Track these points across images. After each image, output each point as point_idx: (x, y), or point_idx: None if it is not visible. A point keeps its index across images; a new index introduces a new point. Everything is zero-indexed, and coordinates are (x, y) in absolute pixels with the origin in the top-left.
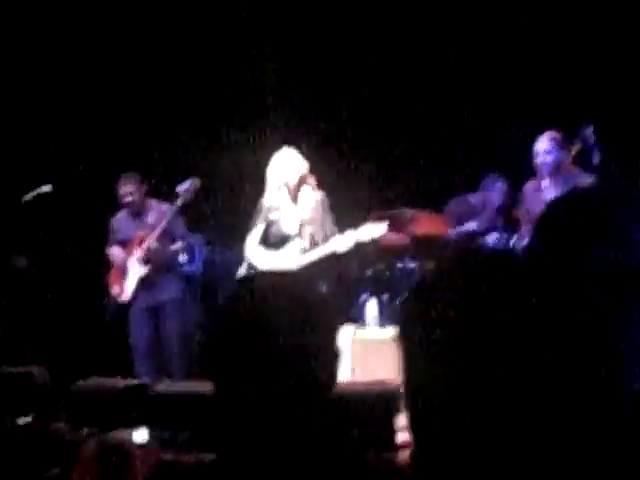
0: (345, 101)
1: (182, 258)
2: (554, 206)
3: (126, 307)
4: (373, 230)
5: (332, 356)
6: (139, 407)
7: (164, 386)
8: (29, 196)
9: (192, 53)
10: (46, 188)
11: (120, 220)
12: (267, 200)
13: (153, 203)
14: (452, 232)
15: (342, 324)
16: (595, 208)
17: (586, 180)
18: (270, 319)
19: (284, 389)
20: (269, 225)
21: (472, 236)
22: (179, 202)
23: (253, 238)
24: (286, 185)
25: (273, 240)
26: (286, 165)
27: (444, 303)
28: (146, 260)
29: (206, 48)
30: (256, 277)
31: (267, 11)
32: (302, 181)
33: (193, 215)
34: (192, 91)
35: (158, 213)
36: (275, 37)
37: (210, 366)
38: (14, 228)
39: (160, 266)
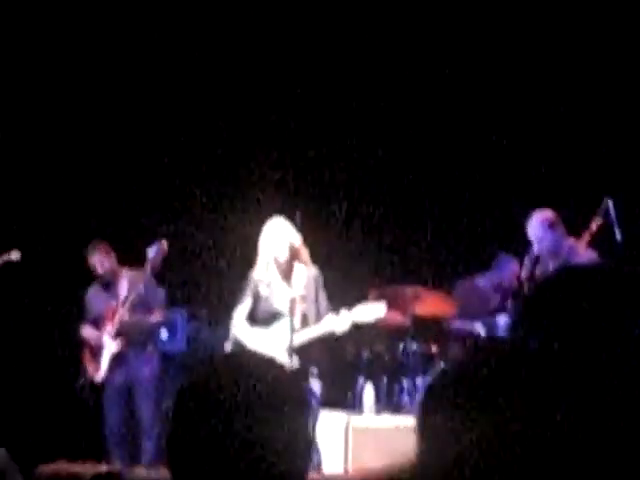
0: (345, 167)
1: (163, 334)
2: (538, 287)
3: (101, 388)
4: (371, 311)
5: (302, 446)
6: None
7: (139, 474)
8: None
9: (182, 104)
10: (15, 255)
11: (91, 296)
12: (257, 273)
13: (124, 271)
14: (456, 324)
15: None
16: (583, 289)
17: (587, 257)
18: (234, 403)
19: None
20: (258, 300)
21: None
22: (148, 269)
23: (240, 313)
24: (276, 259)
25: (262, 316)
26: (277, 238)
27: (468, 403)
28: (118, 334)
29: (195, 100)
30: (218, 358)
31: (258, 62)
32: (294, 255)
33: (175, 288)
34: (181, 159)
35: (130, 281)
36: (270, 90)
37: (169, 452)
38: None
39: (133, 340)
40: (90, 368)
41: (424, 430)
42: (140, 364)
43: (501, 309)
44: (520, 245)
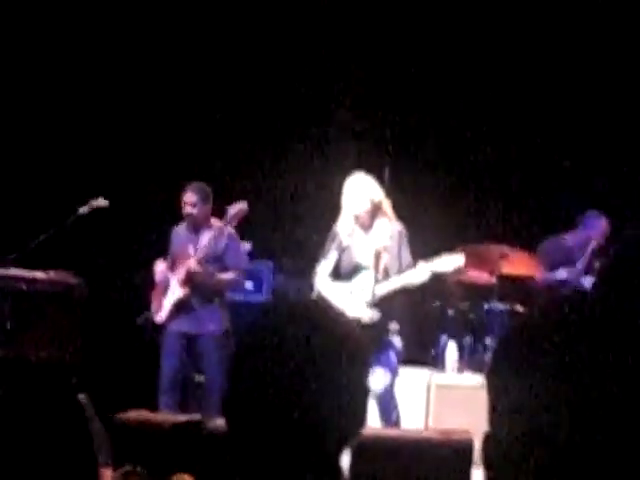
0: (435, 128)
1: (248, 285)
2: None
3: (161, 329)
4: (449, 262)
5: (360, 395)
6: (190, 446)
7: (219, 424)
8: (84, 209)
9: (265, 64)
10: (102, 202)
11: (178, 233)
12: (340, 227)
13: (215, 223)
14: (543, 278)
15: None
16: None
17: None
18: (292, 350)
19: (303, 433)
20: (341, 254)
21: (562, 285)
22: (228, 225)
23: (324, 267)
24: (358, 214)
25: (344, 270)
26: (358, 193)
27: (538, 354)
28: (185, 282)
29: (279, 58)
30: (280, 305)
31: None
32: (376, 210)
33: (261, 240)
34: (264, 110)
35: (215, 235)
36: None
37: (225, 401)
38: (67, 242)
39: (201, 293)
40: (154, 306)
41: (494, 385)
42: (205, 317)
43: (588, 269)
44: (606, 207)
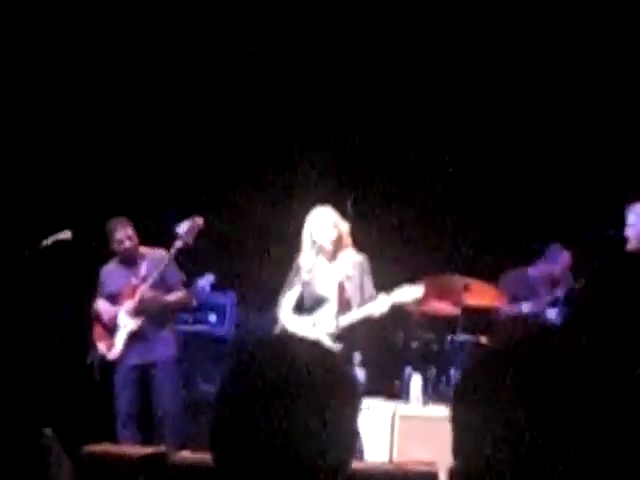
0: (397, 158)
1: (212, 318)
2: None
3: (113, 366)
4: (408, 293)
5: (348, 435)
6: (155, 478)
7: (184, 457)
8: (48, 241)
9: (228, 86)
10: (66, 235)
11: (110, 272)
12: (302, 261)
13: (146, 250)
14: (505, 309)
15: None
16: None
17: None
18: (279, 388)
19: (292, 468)
20: (303, 287)
21: (526, 318)
22: (178, 244)
23: (288, 300)
24: (322, 246)
25: (307, 303)
26: (322, 225)
27: (501, 386)
28: (138, 312)
29: (242, 83)
30: (265, 341)
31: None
32: (339, 242)
33: (224, 272)
34: (226, 143)
35: (152, 261)
36: (318, 74)
37: (213, 435)
38: (28, 275)
39: (154, 320)
40: (102, 345)
41: (457, 419)
42: (158, 344)
43: (550, 301)
44: (570, 238)
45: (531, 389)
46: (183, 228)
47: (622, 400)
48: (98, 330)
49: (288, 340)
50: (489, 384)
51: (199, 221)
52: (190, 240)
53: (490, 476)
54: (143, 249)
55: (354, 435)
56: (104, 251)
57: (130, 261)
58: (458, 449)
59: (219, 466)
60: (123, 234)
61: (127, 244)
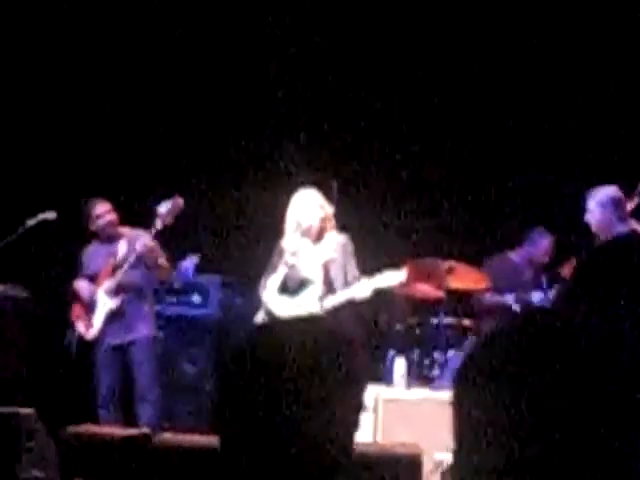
0: (381, 140)
1: (196, 300)
2: (593, 254)
3: (91, 345)
4: (391, 277)
5: (352, 419)
6: (138, 459)
7: (166, 438)
8: (32, 221)
9: (217, 69)
10: (51, 215)
11: (90, 252)
12: (286, 243)
13: (125, 230)
14: (487, 297)
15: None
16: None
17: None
18: (290, 370)
19: (299, 450)
20: (288, 269)
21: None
22: (158, 225)
23: (273, 282)
24: (306, 228)
25: (291, 285)
26: (309, 205)
27: (505, 369)
28: (116, 291)
29: (231, 66)
30: (278, 323)
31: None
32: (323, 224)
33: (208, 255)
34: (212, 125)
35: (131, 240)
36: (304, 58)
37: (219, 419)
38: (15, 254)
39: (133, 298)
40: (81, 325)
41: (460, 402)
42: (138, 323)
43: (534, 285)
44: (552, 220)
45: (536, 369)
46: (163, 208)
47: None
48: (76, 310)
49: (291, 324)
50: (492, 365)
51: (180, 201)
52: (170, 220)
53: (492, 459)
54: (123, 229)
55: (357, 417)
56: (87, 234)
57: (110, 239)
58: (459, 432)
59: (226, 449)
60: (102, 209)
61: (107, 217)
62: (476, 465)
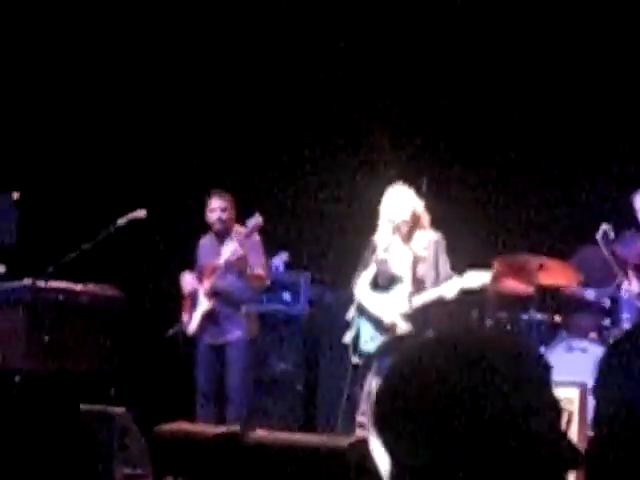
0: (473, 135)
1: (286, 297)
2: None
3: (192, 342)
4: (477, 278)
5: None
6: (230, 457)
7: (260, 436)
8: (123, 221)
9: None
10: (141, 213)
11: (204, 245)
12: (378, 239)
13: (239, 229)
14: (581, 291)
15: None
16: None
17: None
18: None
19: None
20: (379, 265)
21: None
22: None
23: (365, 278)
24: (397, 224)
25: (382, 281)
26: (398, 203)
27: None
28: (210, 294)
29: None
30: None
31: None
32: (415, 220)
33: (299, 251)
34: (303, 121)
35: (237, 242)
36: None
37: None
38: (105, 253)
39: (226, 303)
40: (185, 317)
41: (605, 388)
42: (231, 327)
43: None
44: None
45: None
46: (250, 224)
47: None
48: (184, 302)
49: (469, 339)
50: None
51: (260, 220)
52: (249, 236)
53: (633, 445)
54: (239, 229)
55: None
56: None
57: (220, 236)
58: (601, 418)
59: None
60: (216, 204)
61: (217, 214)
62: (615, 447)
